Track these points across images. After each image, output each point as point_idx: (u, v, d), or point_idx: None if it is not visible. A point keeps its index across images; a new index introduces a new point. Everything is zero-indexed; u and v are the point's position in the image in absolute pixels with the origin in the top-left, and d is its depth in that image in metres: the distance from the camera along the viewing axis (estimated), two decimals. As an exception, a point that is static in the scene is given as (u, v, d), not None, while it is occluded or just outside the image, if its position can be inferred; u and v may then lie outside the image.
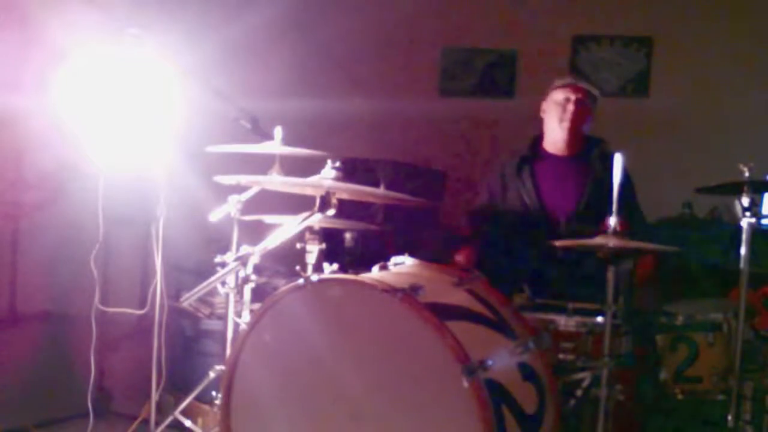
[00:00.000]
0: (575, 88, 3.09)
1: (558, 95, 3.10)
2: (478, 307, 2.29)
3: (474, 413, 1.88)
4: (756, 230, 2.42)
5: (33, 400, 3.39)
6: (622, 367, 2.46)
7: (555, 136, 3.12)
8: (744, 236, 2.41)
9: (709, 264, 3.65)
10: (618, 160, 2.36)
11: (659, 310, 2.72)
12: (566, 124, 3.07)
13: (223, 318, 2.71)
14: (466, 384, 1.89)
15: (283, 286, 2.27)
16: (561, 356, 2.49)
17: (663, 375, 2.61)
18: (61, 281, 4.03)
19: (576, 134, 3.09)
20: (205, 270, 2.82)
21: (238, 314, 2.68)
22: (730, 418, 2.42)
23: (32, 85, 3.31)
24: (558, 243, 2.52)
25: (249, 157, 2.76)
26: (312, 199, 2.36)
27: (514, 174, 3.14)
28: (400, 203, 2.65)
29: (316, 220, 2.40)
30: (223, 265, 2.54)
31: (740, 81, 4.76)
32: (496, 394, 1.97)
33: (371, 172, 4.20)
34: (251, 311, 2.62)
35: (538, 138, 3.22)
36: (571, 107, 3.06)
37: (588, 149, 3.14)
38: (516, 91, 5.25)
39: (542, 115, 3.19)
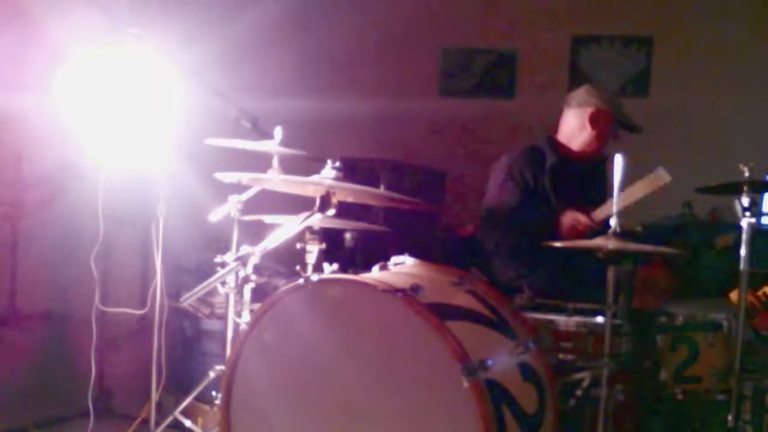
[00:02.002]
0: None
1: (616, 128, 3.12)
2: (478, 307, 2.29)
3: (474, 413, 1.88)
4: (756, 230, 2.42)
5: (33, 400, 3.39)
6: (622, 367, 2.46)
7: (581, 150, 3.14)
8: (744, 236, 2.41)
9: (709, 264, 3.65)
10: (618, 161, 2.36)
11: (659, 310, 2.72)
12: (598, 153, 3.13)
13: (223, 318, 2.71)
14: (466, 384, 1.89)
15: (283, 286, 2.27)
16: (561, 356, 2.49)
17: (663, 375, 2.61)
18: (61, 281, 4.03)
19: None
20: (205, 270, 2.82)
21: (238, 314, 2.68)
22: (730, 418, 2.42)
23: (32, 85, 3.30)
24: (557, 244, 2.52)
25: (249, 157, 2.76)
26: (312, 199, 2.36)
27: (546, 180, 3.11)
28: (400, 203, 2.64)
29: (316, 220, 2.40)
30: (223, 265, 2.54)
31: (740, 81, 4.76)
32: (496, 394, 1.97)
33: (371, 172, 4.20)
34: (251, 311, 2.62)
35: (554, 139, 3.19)
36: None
37: (604, 158, 3.13)
38: (516, 91, 5.25)
39: (583, 121, 3.13)
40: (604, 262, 2.37)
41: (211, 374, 2.76)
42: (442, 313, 2.06)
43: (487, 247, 3.14)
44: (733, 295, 2.55)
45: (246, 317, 2.64)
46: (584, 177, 3.13)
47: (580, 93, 3.15)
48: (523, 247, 3.06)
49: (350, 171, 2.43)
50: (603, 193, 3.00)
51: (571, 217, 2.95)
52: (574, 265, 2.99)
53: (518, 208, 3.07)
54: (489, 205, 3.16)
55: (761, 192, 2.57)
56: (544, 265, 3.01)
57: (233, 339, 2.63)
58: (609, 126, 3.11)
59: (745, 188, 2.40)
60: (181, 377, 3.22)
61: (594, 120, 3.10)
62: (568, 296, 2.68)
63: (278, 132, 2.72)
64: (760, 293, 2.67)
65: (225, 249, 2.68)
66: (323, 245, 2.59)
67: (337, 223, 2.79)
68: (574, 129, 3.13)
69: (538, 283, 2.93)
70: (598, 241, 2.35)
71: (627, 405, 2.45)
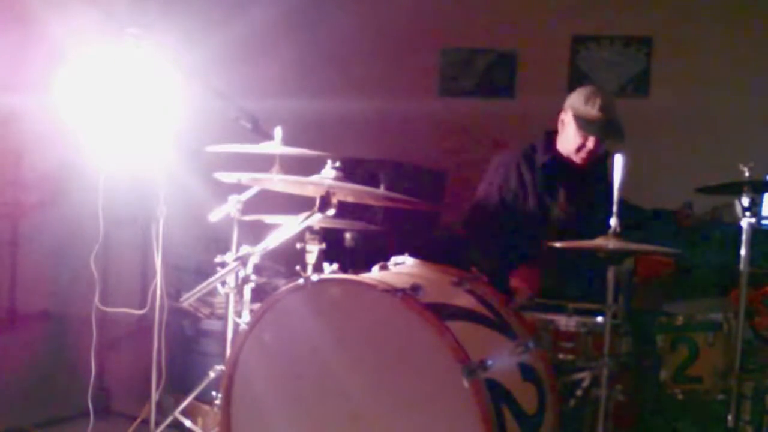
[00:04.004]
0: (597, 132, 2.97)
1: (580, 133, 2.98)
2: (478, 307, 2.29)
3: (474, 413, 1.88)
4: (756, 230, 2.42)
5: (33, 400, 3.39)
6: (622, 367, 2.46)
7: (572, 156, 3.06)
8: (744, 236, 2.41)
9: (709, 264, 3.66)
10: (618, 160, 2.36)
11: (659, 310, 2.72)
12: (584, 156, 3.02)
13: (223, 318, 2.71)
14: (466, 384, 1.89)
15: (283, 286, 2.27)
16: (561, 356, 2.49)
17: (663, 375, 2.61)
18: (61, 281, 4.03)
19: (593, 158, 3.06)
20: (205, 270, 2.82)
21: (238, 314, 2.68)
22: (730, 418, 2.42)
23: (32, 85, 3.30)
24: (558, 244, 2.52)
25: (249, 157, 2.76)
26: (312, 199, 2.36)
27: (537, 178, 3.09)
28: (400, 203, 2.64)
29: (316, 220, 2.40)
30: (223, 265, 2.54)
31: (740, 81, 4.76)
32: (496, 394, 1.97)
33: (371, 173, 4.20)
34: (251, 311, 2.62)
35: (551, 139, 3.17)
36: (590, 145, 2.98)
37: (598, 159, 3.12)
38: (516, 91, 5.25)
39: (559, 125, 3.09)
40: (604, 262, 2.37)
41: (211, 374, 2.76)
42: (442, 313, 2.06)
43: (470, 244, 3.13)
44: (734, 295, 2.55)
45: (246, 317, 2.64)
46: (580, 176, 3.11)
47: None
48: (503, 248, 3.05)
49: (350, 171, 2.43)
50: (604, 193, 3.00)
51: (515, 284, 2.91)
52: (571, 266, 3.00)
53: (494, 219, 3.06)
54: (474, 203, 3.16)
55: (761, 192, 2.57)
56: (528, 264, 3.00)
57: (233, 339, 2.63)
58: (571, 135, 3.02)
59: (745, 188, 2.40)
60: (181, 377, 3.22)
61: (560, 122, 3.09)
62: (558, 296, 2.68)
63: (278, 132, 2.72)
64: (760, 293, 2.67)
65: (225, 249, 2.68)
66: (323, 245, 2.59)
67: (337, 223, 2.79)
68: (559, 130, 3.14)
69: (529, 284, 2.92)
70: (599, 241, 2.35)
71: (627, 405, 2.45)
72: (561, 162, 3.10)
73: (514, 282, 2.92)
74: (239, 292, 2.63)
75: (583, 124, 2.97)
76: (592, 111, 2.95)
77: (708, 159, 4.51)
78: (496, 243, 3.05)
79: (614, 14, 5.06)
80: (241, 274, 2.51)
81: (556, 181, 3.09)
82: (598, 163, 3.10)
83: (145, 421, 2.89)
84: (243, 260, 2.41)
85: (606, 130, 2.97)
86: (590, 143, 2.98)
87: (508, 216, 3.06)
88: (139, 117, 2.71)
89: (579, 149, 3.01)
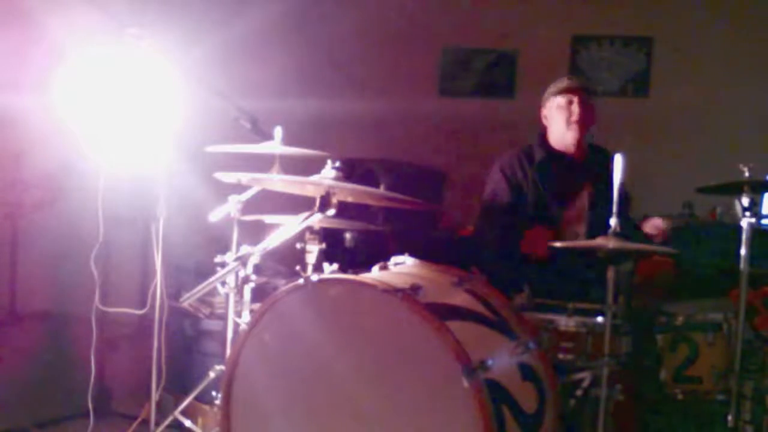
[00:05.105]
0: (575, 91, 3.08)
1: (560, 100, 3.09)
2: (478, 307, 2.29)
3: (474, 413, 1.88)
4: (756, 230, 2.42)
5: (33, 400, 3.39)
6: (622, 367, 2.45)
7: (564, 139, 3.10)
8: (744, 236, 2.41)
9: (709, 264, 3.66)
10: (618, 161, 2.36)
11: (659, 310, 2.72)
12: (575, 126, 3.06)
13: (223, 318, 2.71)
14: (466, 384, 1.89)
15: (283, 286, 2.27)
16: (561, 356, 2.49)
17: (663, 375, 2.61)
18: (61, 281, 4.03)
19: (585, 132, 3.10)
20: (205, 270, 2.82)
21: (238, 314, 2.68)
22: (730, 418, 2.42)
23: (32, 85, 3.30)
24: (558, 244, 2.52)
25: (249, 157, 2.76)
26: (312, 199, 2.36)
27: (534, 175, 3.12)
28: (400, 203, 2.64)
29: (316, 220, 2.40)
30: (223, 265, 2.54)
31: (740, 81, 4.76)
32: (496, 394, 1.97)
33: (371, 172, 4.20)
34: (251, 311, 2.62)
35: (544, 137, 3.20)
36: (576, 108, 3.06)
37: (592, 154, 3.14)
38: (516, 91, 5.25)
39: (544, 122, 3.17)
40: (604, 262, 2.37)
41: (211, 374, 2.76)
42: (442, 313, 2.06)
43: (482, 248, 3.14)
44: (734, 295, 2.55)
45: (246, 317, 2.64)
46: (576, 171, 3.12)
47: None
48: (515, 247, 3.05)
49: (350, 171, 2.43)
50: (602, 188, 3.00)
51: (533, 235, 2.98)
52: (571, 266, 2.99)
53: (509, 210, 3.08)
54: (483, 206, 3.18)
55: (761, 192, 2.57)
56: (539, 266, 3.00)
57: (233, 339, 2.63)
58: (557, 117, 3.10)
59: (745, 188, 2.40)
60: (181, 377, 3.22)
61: (544, 118, 3.18)
62: (566, 296, 2.68)
63: (278, 132, 2.72)
64: (760, 293, 2.67)
65: (225, 249, 2.68)
66: (323, 245, 2.59)
67: (337, 223, 2.79)
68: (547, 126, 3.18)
69: (535, 284, 2.92)
70: (599, 241, 2.35)
71: (627, 405, 2.45)
72: (557, 158, 3.12)
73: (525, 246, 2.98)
74: (239, 292, 2.63)
75: (560, 90, 3.10)
76: (562, 82, 3.13)
77: (708, 159, 4.51)
78: (508, 238, 3.06)
79: (614, 14, 5.06)
80: (241, 274, 2.51)
81: (551, 177, 3.10)
82: (594, 159, 3.11)
83: (145, 421, 2.90)
84: (243, 260, 2.41)
85: (579, 84, 3.14)
86: (575, 107, 3.06)
87: (519, 210, 3.08)
88: (139, 117, 2.71)
89: (568, 123, 3.07)
